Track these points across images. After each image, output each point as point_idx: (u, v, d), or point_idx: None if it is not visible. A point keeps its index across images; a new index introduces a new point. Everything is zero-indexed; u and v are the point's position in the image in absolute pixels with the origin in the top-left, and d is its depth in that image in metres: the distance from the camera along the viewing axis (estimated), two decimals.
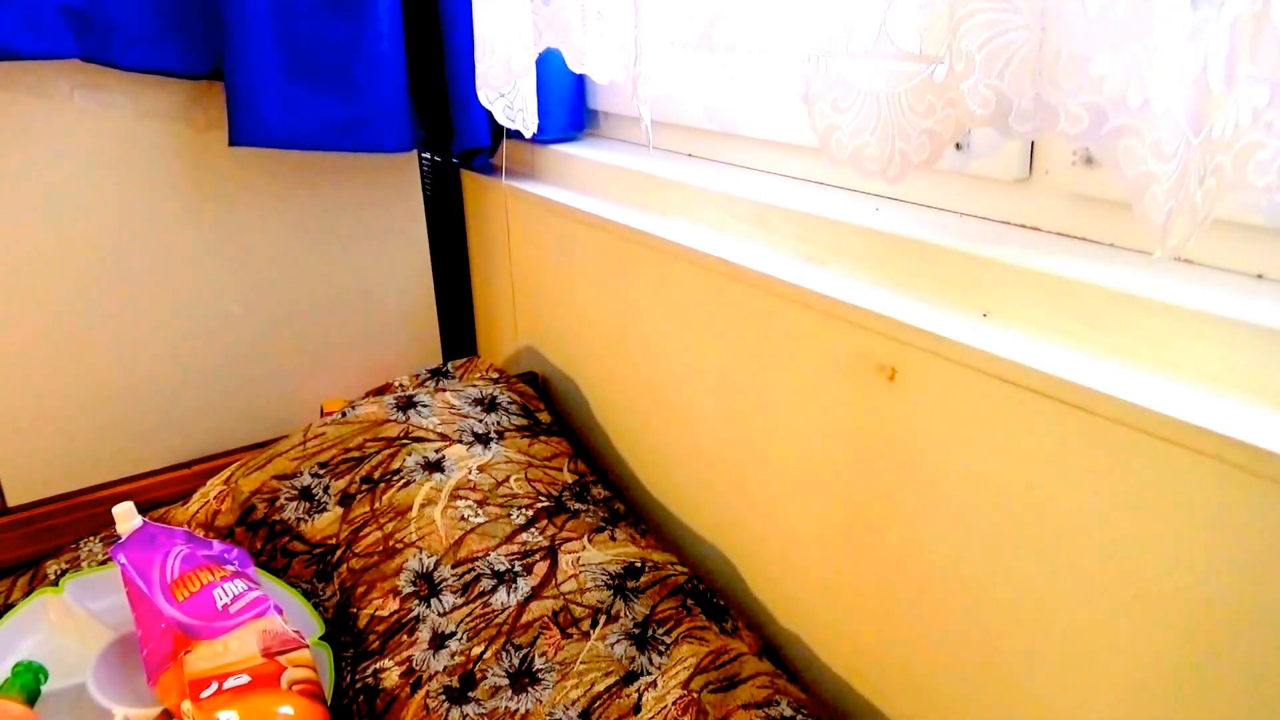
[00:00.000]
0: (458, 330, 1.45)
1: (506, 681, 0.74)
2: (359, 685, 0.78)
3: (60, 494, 1.16)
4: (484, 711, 0.72)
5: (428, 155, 1.36)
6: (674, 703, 0.70)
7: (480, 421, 1.02)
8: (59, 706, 0.75)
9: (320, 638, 0.82)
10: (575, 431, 1.14)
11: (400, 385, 1.11)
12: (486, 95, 1.00)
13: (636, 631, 0.77)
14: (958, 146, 0.67)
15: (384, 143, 1.12)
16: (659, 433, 0.97)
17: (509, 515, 0.89)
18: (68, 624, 0.84)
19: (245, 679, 0.71)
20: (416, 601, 0.81)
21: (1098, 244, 0.60)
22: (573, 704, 0.72)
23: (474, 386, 1.08)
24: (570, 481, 0.97)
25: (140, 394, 1.18)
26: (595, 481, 0.99)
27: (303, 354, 1.27)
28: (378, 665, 0.78)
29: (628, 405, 1.02)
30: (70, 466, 1.16)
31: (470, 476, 0.93)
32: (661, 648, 0.76)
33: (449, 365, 1.18)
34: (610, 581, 0.82)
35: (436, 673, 0.75)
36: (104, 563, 0.94)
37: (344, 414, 1.02)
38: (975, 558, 0.61)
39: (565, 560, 0.84)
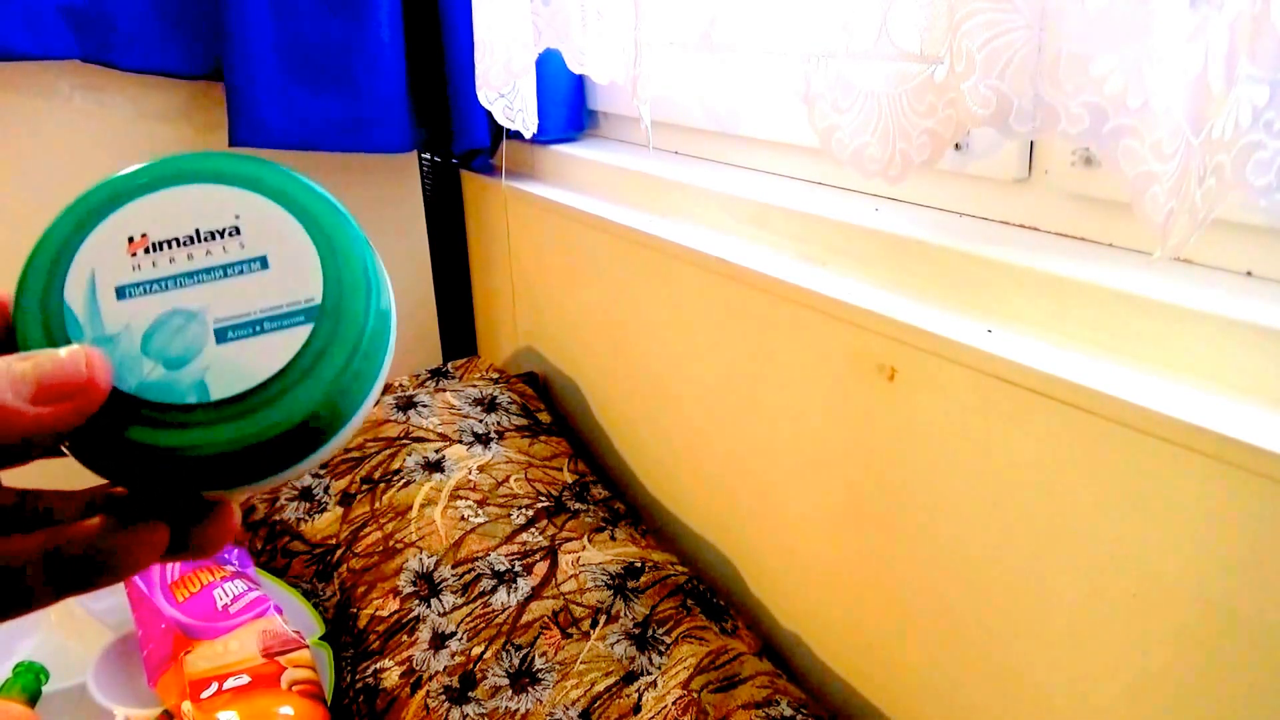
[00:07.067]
0: (458, 330, 1.45)
1: (506, 681, 0.74)
2: (359, 685, 0.78)
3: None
4: (484, 711, 0.72)
5: (428, 155, 1.36)
6: (674, 703, 0.70)
7: (480, 421, 1.02)
8: (59, 707, 0.75)
9: (320, 638, 0.82)
10: (575, 431, 1.14)
11: (400, 385, 1.11)
12: (486, 95, 1.00)
13: (636, 631, 0.77)
14: (956, 147, 0.67)
15: (384, 143, 1.11)
16: (659, 433, 0.97)
17: (509, 515, 0.89)
18: (68, 624, 0.84)
19: (245, 679, 0.71)
20: (416, 601, 0.82)
21: (1096, 244, 0.60)
22: (573, 704, 0.72)
23: (474, 386, 1.08)
24: (570, 481, 0.97)
25: None
26: (595, 481, 0.99)
27: None
28: (378, 665, 0.78)
29: (628, 405, 1.02)
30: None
31: (470, 476, 0.93)
32: (661, 648, 0.76)
33: (449, 365, 1.18)
34: (610, 581, 0.82)
35: (436, 673, 0.75)
36: None
37: None
38: (974, 557, 0.61)
39: (565, 560, 0.84)
